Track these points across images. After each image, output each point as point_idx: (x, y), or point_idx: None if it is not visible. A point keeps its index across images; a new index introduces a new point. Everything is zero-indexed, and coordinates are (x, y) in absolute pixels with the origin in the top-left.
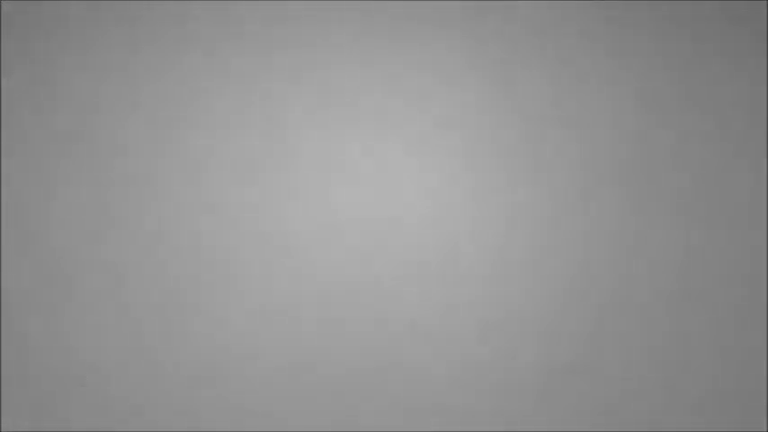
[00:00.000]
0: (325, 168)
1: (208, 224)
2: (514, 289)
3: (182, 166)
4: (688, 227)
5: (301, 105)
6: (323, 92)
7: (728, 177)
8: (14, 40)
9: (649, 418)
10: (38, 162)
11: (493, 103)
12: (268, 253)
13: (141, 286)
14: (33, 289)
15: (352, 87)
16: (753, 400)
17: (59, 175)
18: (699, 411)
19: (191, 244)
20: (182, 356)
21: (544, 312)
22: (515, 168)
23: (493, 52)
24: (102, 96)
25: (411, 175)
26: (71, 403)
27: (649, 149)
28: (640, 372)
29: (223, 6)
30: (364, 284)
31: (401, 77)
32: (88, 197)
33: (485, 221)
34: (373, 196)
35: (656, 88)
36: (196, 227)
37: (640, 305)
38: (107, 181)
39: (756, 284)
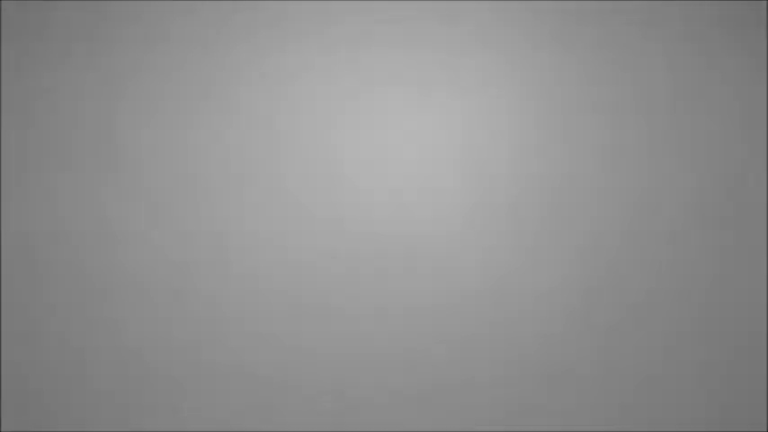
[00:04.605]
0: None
1: (206, 225)
2: (515, 284)
3: (183, 166)
4: (687, 226)
5: (300, 102)
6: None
7: (729, 177)
8: (15, 40)
9: (649, 417)
10: (38, 163)
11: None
12: (263, 244)
13: (142, 287)
14: (33, 289)
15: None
16: (753, 400)
17: (59, 175)
18: (699, 411)
19: (191, 243)
20: (184, 356)
21: (545, 310)
22: (515, 169)
23: (494, 52)
24: (104, 97)
25: (414, 170)
26: (71, 403)
27: (648, 150)
28: (640, 372)
29: (223, 6)
30: (364, 274)
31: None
32: (88, 196)
33: (486, 214)
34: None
35: (656, 88)
36: (194, 227)
37: (640, 305)
38: (107, 180)
39: (756, 284)
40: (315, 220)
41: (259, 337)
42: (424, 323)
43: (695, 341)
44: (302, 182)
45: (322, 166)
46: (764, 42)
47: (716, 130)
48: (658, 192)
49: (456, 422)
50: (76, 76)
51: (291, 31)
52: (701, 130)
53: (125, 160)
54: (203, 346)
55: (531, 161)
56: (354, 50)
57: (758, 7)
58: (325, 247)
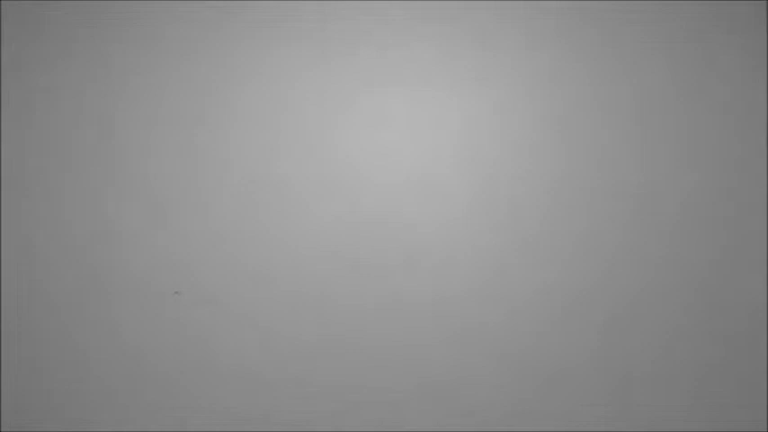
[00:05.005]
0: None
1: (207, 225)
2: (514, 282)
3: (182, 166)
4: (687, 226)
5: (303, 101)
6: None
7: (729, 177)
8: (15, 40)
9: (649, 417)
10: (38, 163)
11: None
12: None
13: (143, 287)
14: (33, 289)
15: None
16: (753, 400)
17: (59, 175)
18: (699, 411)
19: (191, 243)
20: (184, 356)
21: (544, 309)
22: (515, 168)
23: (495, 54)
24: (104, 96)
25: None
26: (71, 403)
27: (648, 150)
28: (639, 371)
29: (223, 6)
30: (365, 274)
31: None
32: (88, 197)
33: (485, 212)
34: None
35: (656, 88)
36: (195, 227)
37: (639, 304)
38: (107, 180)
39: (756, 284)
40: (315, 219)
41: (260, 337)
42: (423, 321)
43: (695, 341)
44: (303, 181)
45: (322, 165)
46: (764, 42)
47: (716, 130)
48: (658, 192)
49: (455, 421)
50: (76, 75)
51: (291, 30)
52: (701, 130)
53: (125, 160)
54: (204, 346)
55: (529, 160)
56: (355, 50)
57: (758, 7)
58: (326, 247)
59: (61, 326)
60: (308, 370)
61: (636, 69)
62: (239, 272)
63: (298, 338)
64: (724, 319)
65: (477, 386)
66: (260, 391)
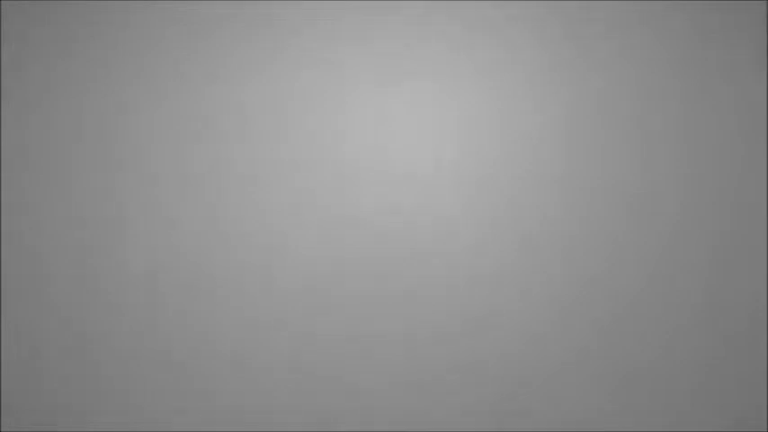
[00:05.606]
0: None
1: (208, 224)
2: (508, 287)
3: (183, 166)
4: (687, 226)
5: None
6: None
7: (728, 177)
8: (15, 40)
9: (649, 417)
10: (38, 163)
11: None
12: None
13: (143, 286)
14: (33, 289)
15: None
16: (753, 400)
17: (59, 175)
18: (699, 411)
19: (192, 242)
20: (185, 357)
21: (544, 309)
22: (513, 166)
23: (495, 52)
24: (104, 96)
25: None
26: (71, 403)
27: (648, 149)
28: (639, 371)
29: (224, 4)
30: (365, 273)
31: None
32: (88, 196)
33: (485, 209)
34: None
35: (656, 88)
36: (196, 226)
37: (639, 305)
38: (108, 180)
39: (756, 284)
40: (316, 218)
41: (261, 336)
42: (422, 320)
43: (695, 341)
44: (304, 180)
45: (323, 164)
46: (764, 42)
47: (716, 130)
48: (658, 191)
49: (456, 421)
50: (76, 75)
51: (291, 31)
52: (701, 130)
53: (125, 160)
54: (204, 346)
55: (529, 160)
56: (355, 50)
57: (758, 7)
58: (326, 245)
59: (61, 326)
60: (308, 369)
61: (636, 69)
62: (240, 270)
63: (298, 337)
64: (724, 319)
65: (477, 385)
66: (260, 391)
